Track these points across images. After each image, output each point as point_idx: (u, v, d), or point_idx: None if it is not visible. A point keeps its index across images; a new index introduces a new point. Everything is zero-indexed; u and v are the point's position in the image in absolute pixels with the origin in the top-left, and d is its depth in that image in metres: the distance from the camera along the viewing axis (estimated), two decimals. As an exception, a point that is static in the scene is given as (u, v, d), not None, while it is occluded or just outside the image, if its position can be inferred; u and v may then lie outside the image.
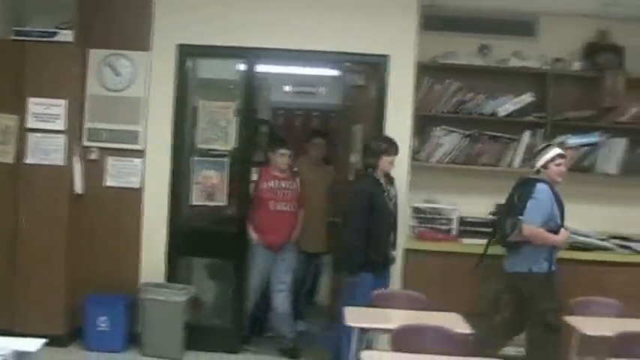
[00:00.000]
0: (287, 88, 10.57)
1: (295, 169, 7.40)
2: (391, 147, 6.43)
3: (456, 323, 5.09)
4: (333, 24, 7.03)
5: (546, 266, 6.11)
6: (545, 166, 6.24)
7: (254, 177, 7.34)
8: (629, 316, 5.60)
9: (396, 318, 5.13)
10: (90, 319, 6.94)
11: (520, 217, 6.10)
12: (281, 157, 7.19)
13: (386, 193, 6.37)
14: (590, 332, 5.28)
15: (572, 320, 5.54)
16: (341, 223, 6.54)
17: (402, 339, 4.70)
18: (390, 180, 6.50)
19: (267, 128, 7.85)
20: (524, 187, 6.22)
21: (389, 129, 6.99)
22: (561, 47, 7.58)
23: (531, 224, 6.07)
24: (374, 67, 7.12)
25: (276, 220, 7.11)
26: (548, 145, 6.46)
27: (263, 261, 7.15)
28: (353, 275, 6.24)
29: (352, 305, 5.53)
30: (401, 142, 6.88)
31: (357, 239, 6.19)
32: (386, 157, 6.37)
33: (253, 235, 7.11)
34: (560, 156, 6.25)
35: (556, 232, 6.14)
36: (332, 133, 8.15)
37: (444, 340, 4.70)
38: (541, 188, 6.12)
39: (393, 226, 6.57)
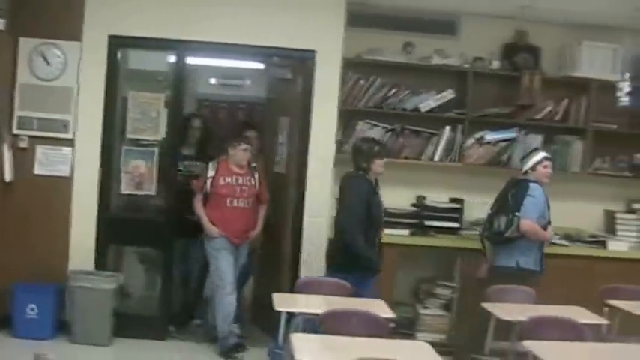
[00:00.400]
0: (215, 81, 10.67)
1: (254, 164, 7.28)
2: (383, 150, 6.64)
3: (379, 308, 5.34)
4: (262, 19, 7.20)
5: (531, 262, 6.68)
6: (533, 168, 6.80)
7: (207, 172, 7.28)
8: (542, 303, 5.98)
9: (323, 303, 5.34)
10: (19, 307, 6.98)
11: (517, 214, 6.58)
12: (242, 153, 7.11)
13: (377, 196, 6.53)
14: (505, 317, 5.59)
15: (489, 306, 5.85)
16: (343, 227, 6.40)
17: (330, 323, 4.94)
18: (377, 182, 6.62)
19: (199, 122, 7.87)
20: (517, 187, 6.75)
21: (315, 122, 7.22)
22: (481, 47, 7.90)
23: (528, 220, 6.56)
24: (301, 62, 7.33)
25: (232, 217, 7.06)
26: (535, 150, 7.11)
27: (229, 252, 7.12)
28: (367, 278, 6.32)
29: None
30: (326, 136, 7.17)
31: (364, 243, 6.31)
32: (378, 160, 6.47)
33: (213, 229, 7.07)
34: (546, 159, 6.83)
35: (544, 228, 6.73)
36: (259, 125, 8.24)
37: (369, 323, 4.94)
38: (535, 187, 6.68)
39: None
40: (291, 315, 5.52)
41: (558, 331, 5.10)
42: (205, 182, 7.06)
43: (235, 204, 7.07)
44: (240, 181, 7.11)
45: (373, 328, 4.91)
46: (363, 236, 6.26)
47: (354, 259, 6.24)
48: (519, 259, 6.63)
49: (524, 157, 6.98)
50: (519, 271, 6.60)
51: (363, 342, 4.60)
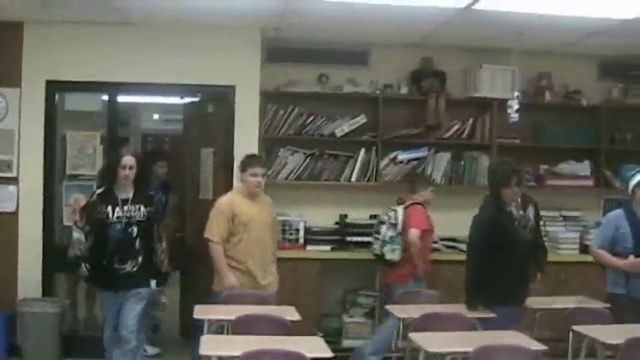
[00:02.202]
0: (156, 116, 11.27)
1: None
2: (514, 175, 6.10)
3: (288, 313, 5.97)
4: (185, 59, 7.86)
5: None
6: (633, 191, 6.56)
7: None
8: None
9: (240, 311, 5.86)
10: (-29, 334, 7.58)
11: None
12: None
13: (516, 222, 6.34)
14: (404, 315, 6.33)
15: (392, 308, 6.53)
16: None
17: (241, 326, 5.55)
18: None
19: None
20: None
21: (237, 151, 7.84)
22: (391, 74, 8.61)
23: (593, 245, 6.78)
24: (223, 96, 8.01)
25: None
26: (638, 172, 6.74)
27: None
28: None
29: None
30: (249, 164, 7.80)
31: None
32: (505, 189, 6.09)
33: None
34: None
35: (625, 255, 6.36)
36: (178, 155, 8.88)
37: (276, 326, 5.58)
38: (610, 214, 6.77)
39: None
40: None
41: (450, 325, 5.80)
42: None
43: None
44: None
45: (280, 329, 5.54)
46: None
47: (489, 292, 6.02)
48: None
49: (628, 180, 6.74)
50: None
51: (265, 339, 5.14)
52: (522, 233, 6.33)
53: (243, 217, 6.67)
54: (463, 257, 8.03)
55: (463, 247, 8.22)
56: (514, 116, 7.64)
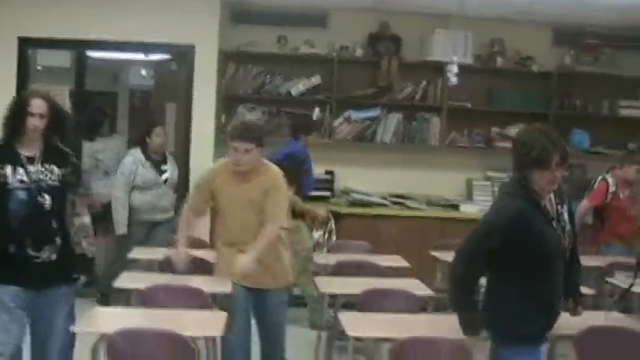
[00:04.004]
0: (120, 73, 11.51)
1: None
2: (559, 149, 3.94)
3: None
4: (149, 19, 8.26)
5: None
6: None
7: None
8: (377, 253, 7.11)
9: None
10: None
11: None
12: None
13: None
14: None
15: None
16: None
17: (152, 296, 5.19)
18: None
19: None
20: None
21: (196, 108, 8.32)
22: (349, 37, 8.99)
23: None
24: (183, 55, 8.45)
25: None
26: None
27: None
28: None
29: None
30: (206, 120, 8.31)
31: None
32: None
33: None
34: None
35: None
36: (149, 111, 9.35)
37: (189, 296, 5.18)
38: None
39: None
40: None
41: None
42: None
43: None
44: None
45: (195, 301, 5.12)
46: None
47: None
48: None
49: None
50: None
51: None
52: (559, 240, 4.04)
53: (220, 198, 5.44)
54: (410, 213, 8.62)
55: (410, 203, 8.71)
56: (453, 80, 8.00)
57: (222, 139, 8.28)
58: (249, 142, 5.16)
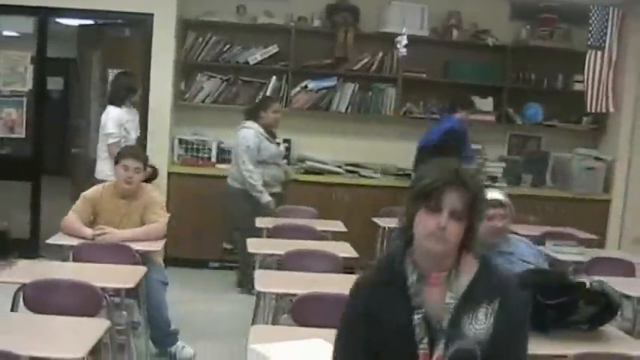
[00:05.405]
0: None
1: None
2: None
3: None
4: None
5: None
6: None
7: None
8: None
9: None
10: None
11: None
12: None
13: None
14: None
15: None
16: None
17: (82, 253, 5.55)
18: None
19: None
20: None
21: (154, 75, 8.51)
22: (307, 7, 9.16)
23: None
24: (142, 23, 8.63)
25: None
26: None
27: None
28: None
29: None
30: (164, 87, 8.51)
31: None
32: None
33: None
34: None
35: None
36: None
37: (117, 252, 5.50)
38: None
39: None
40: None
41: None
42: None
43: None
44: None
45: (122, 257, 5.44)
46: None
47: None
48: None
49: None
50: None
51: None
52: None
53: (104, 218, 5.88)
54: (363, 182, 8.83)
55: (364, 172, 8.92)
56: (403, 51, 8.19)
57: (180, 106, 8.56)
58: (139, 161, 5.90)
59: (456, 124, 8.09)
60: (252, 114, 7.82)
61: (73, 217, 5.80)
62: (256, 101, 8.25)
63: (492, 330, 2.61)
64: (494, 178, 9.00)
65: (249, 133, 7.67)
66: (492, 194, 4.37)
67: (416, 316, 2.64)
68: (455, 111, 8.22)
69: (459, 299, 2.64)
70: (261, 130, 7.69)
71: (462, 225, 2.64)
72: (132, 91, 7.80)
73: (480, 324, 2.61)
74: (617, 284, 5.37)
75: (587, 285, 3.93)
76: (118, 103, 7.66)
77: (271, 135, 7.84)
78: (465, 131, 8.13)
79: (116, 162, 5.95)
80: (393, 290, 2.70)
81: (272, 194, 7.71)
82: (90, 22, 9.16)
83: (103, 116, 7.67)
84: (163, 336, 5.85)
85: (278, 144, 8.00)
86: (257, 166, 7.64)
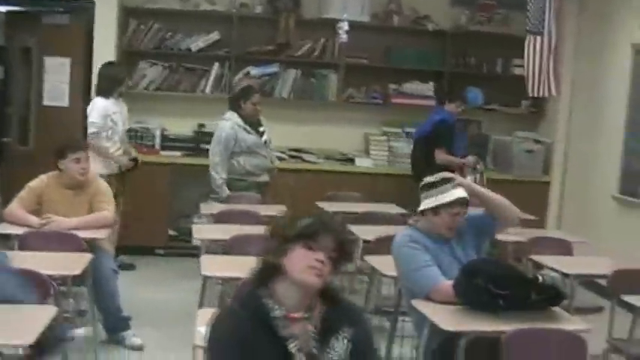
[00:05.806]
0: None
1: None
2: None
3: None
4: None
5: None
6: None
7: None
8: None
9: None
10: None
11: None
12: None
13: None
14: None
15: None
16: None
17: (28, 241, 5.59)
18: None
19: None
20: None
21: (96, 62, 8.47)
22: (249, -6, 9.22)
23: None
24: (83, 10, 8.60)
25: None
26: None
27: None
28: None
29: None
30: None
31: None
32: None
33: None
34: None
35: None
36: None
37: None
38: None
39: None
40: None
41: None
42: None
43: None
44: None
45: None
46: None
47: None
48: None
49: None
50: None
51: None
52: None
53: (50, 208, 5.91)
54: (307, 167, 8.93)
55: (307, 157, 9.01)
56: (344, 37, 8.28)
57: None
58: (86, 151, 6.06)
59: (446, 116, 8.35)
60: (233, 104, 7.73)
61: (16, 206, 5.81)
62: (237, 90, 8.00)
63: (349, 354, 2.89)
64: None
65: (226, 125, 7.59)
66: (458, 192, 4.47)
67: (291, 345, 2.82)
68: (443, 103, 8.46)
69: (319, 330, 2.89)
70: (239, 120, 7.61)
71: (331, 265, 2.90)
72: (118, 82, 7.81)
73: (338, 349, 2.87)
74: (556, 262, 5.62)
75: (540, 279, 4.11)
76: (104, 94, 7.69)
77: (253, 125, 7.74)
78: (454, 122, 8.46)
79: (64, 156, 5.86)
80: (257, 323, 2.83)
81: (258, 183, 7.75)
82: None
83: (89, 107, 7.71)
84: (115, 322, 5.92)
85: (262, 133, 7.82)
86: (236, 156, 7.59)
